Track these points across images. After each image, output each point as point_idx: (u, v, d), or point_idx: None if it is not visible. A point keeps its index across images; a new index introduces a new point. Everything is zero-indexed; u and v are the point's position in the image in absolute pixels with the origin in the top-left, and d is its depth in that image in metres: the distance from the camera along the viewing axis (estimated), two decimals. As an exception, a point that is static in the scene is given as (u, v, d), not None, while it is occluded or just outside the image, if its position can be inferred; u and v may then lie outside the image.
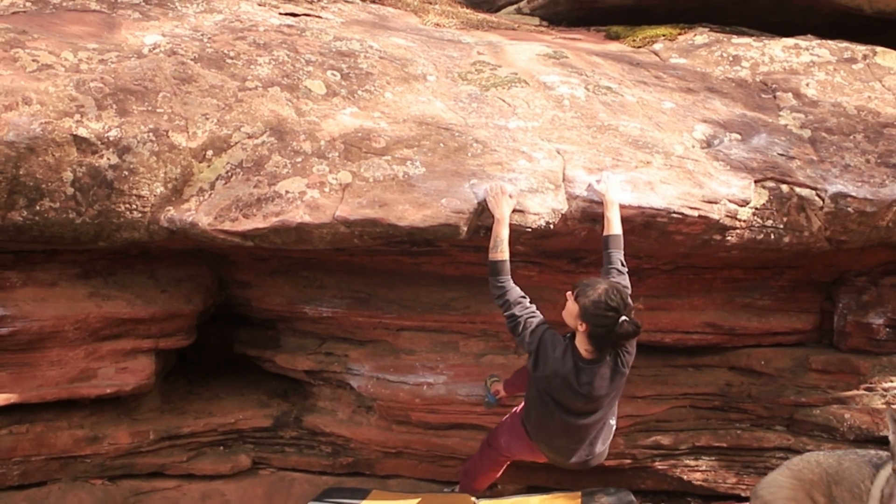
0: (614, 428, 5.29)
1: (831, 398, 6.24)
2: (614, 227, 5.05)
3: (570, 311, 4.78)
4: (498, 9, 8.36)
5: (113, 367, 5.77)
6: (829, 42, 6.91)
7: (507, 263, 4.93)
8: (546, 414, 5.02)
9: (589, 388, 4.84)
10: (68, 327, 5.54)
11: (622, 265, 4.99)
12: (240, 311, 6.34)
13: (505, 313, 4.92)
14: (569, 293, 4.83)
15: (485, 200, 5.00)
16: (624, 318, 4.67)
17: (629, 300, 4.75)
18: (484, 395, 6.06)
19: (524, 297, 4.93)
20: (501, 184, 5.04)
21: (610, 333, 4.70)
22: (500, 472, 5.83)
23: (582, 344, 4.79)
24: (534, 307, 4.94)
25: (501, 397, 6.01)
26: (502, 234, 4.92)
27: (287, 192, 5.03)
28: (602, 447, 5.24)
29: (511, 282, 4.93)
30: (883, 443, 6.12)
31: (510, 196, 5.00)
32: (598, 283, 4.74)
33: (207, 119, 5.27)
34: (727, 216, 5.39)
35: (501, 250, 4.91)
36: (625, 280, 4.96)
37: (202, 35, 5.87)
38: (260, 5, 6.51)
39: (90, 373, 5.71)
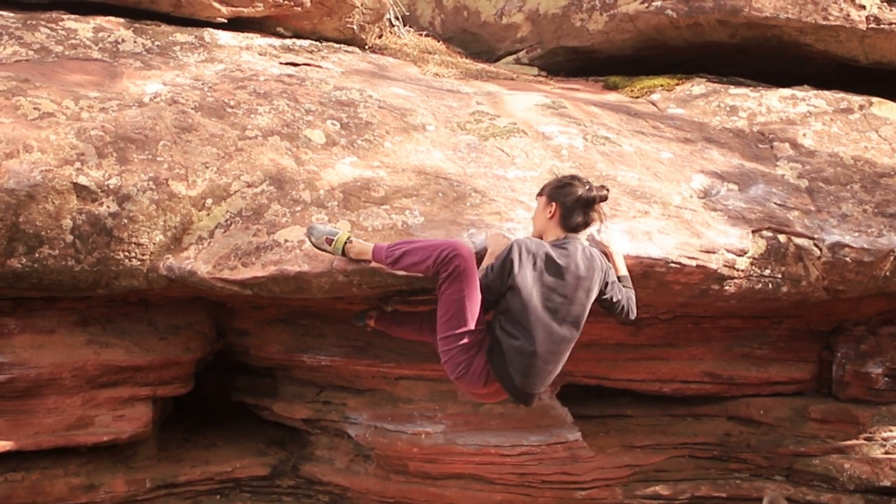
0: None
1: (831, 448, 6.23)
2: (621, 270, 5.05)
3: (539, 204, 4.85)
4: (497, 59, 8.42)
5: (110, 414, 5.73)
6: (826, 92, 6.97)
7: None
8: (524, 335, 4.66)
9: (566, 264, 4.67)
10: (66, 374, 5.51)
11: (632, 288, 5.02)
12: (238, 359, 6.32)
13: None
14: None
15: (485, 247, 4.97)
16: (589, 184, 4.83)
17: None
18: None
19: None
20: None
21: (580, 200, 4.74)
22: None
23: (554, 232, 4.78)
24: None
25: (372, 327, 5.59)
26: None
27: (286, 240, 5.04)
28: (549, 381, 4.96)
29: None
30: (883, 493, 6.12)
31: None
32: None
33: (207, 168, 5.29)
34: (725, 266, 5.40)
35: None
36: (633, 294, 5.00)
37: (203, 84, 5.91)
38: (261, 55, 6.57)
39: (87, 420, 5.68)
